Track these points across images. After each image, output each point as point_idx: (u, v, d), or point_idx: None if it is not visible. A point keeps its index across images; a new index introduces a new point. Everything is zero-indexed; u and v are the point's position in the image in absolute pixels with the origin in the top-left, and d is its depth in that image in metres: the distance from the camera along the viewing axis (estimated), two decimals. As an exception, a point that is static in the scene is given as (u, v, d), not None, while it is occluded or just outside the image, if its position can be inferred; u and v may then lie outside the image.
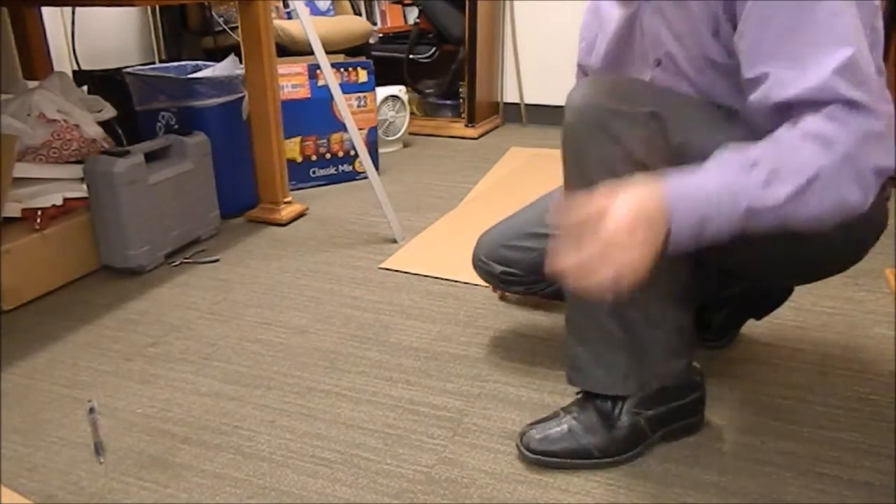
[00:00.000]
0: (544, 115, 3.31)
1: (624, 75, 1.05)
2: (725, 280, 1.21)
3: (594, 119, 0.89)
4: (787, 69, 0.79)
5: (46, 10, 2.21)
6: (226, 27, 2.59)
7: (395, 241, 1.89)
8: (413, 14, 3.38)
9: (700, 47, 0.91)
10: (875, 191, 0.78)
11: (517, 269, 1.25)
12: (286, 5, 2.74)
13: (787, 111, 0.80)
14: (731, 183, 0.78)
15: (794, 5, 0.78)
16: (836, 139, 0.75)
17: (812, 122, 0.77)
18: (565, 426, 1.03)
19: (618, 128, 0.88)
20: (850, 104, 0.76)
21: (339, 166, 2.45)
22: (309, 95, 2.32)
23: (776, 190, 0.76)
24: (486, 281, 1.33)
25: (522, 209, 1.31)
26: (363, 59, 2.59)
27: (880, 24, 0.88)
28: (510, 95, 3.39)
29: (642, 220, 0.77)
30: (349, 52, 2.71)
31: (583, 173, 0.92)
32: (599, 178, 0.88)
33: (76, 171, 1.70)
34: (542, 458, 1.02)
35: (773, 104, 0.81)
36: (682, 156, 0.87)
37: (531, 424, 1.06)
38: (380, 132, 2.72)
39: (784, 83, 0.80)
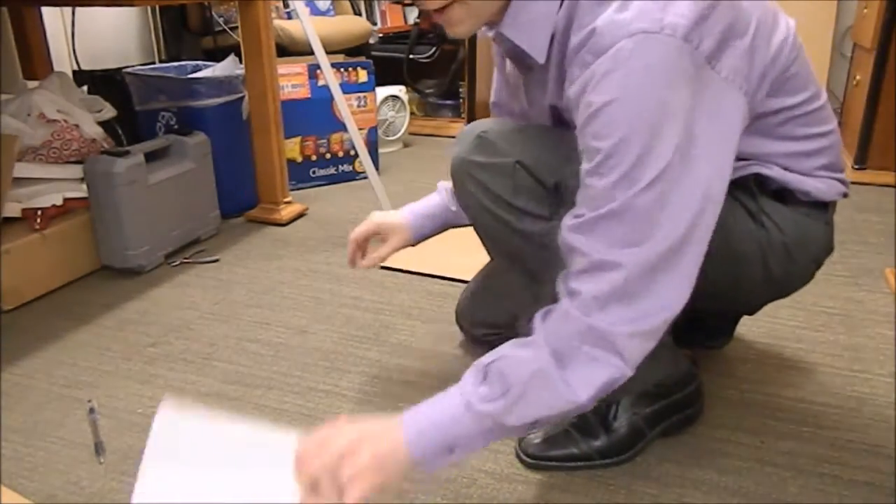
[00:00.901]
0: (544, 115, 3.30)
1: (508, 121, 1.06)
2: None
3: (465, 173, 0.96)
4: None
5: (46, 10, 2.21)
6: (226, 27, 2.59)
7: (395, 241, 1.89)
8: (413, 14, 3.38)
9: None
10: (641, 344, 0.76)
11: (495, 329, 1.26)
12: (286, 5, 2.74)
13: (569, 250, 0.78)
14: (467, 401, 0.77)
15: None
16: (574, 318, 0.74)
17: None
18: (563, 430, 1.04)
19: (485, 179, 0.94)
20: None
21: (339, 166, 2.45)
22: (309, 95, 2.32)
23: (498, 398, 0.76)
24: (475, 344, 1.35)
25: (487, 264, 1.31)
26: (363, 59, 2.59)
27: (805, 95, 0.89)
28: (510, 95, 3.38)
29: (369, 443, 0.75)
30: (349, 52, 2.71)
31: (474, 219, 1.00)
32: (485, 222, 0.98)
33: (76, 171, 1.70)
34: (541, 464, 1.02)
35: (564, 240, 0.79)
36: (561, 195, 0.88)
37: None
38: (380, 132, 2.72)
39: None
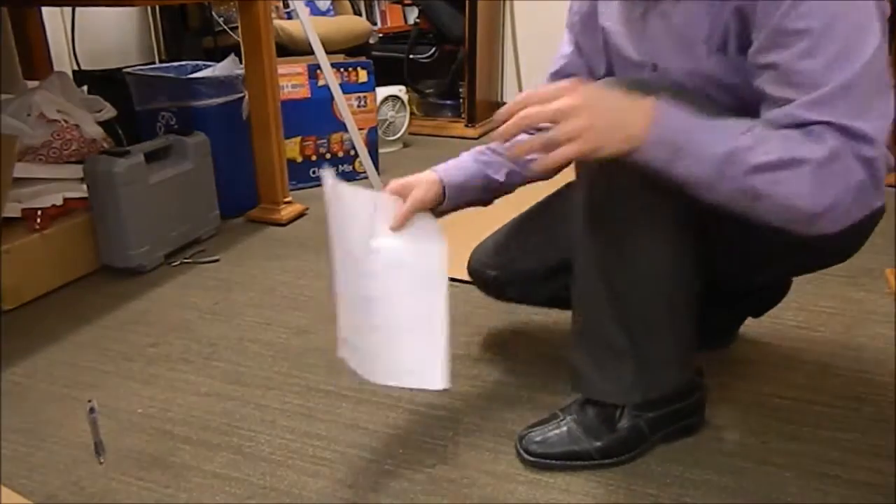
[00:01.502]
0: (544, 115, 3.31)
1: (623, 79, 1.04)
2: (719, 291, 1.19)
3: None
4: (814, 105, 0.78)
5: (46, 10, 2.21)
6: (226, 27, 2.59)
7: (395, 241, 1.88)
8: (413, 14, 3.38)
9: (697, 61, 0.91)
10: (850, 215, 0.77)
11: (510, 274, 1.24)
12: (286, 5, 2.74)
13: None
14: (720, 128, 0.79)
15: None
16: (832, 143, 0.76)
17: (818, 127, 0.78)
18: (564, 428, 1.03)
19: None
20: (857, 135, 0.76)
21: (339, 166, 2.45)
22: (309, 95, 2.32)
23: (758, 152, 0.77)
24: (481, 289, 1.33)
25: (514, 218, 1.30)
26: (363, 59, 2.59)
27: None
28: (510, 95, 3.39)
29: (614, 102, 0.79)
30: (349, 52, 2.71)
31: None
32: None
33: (76, 171, 1.70)
34: (542, 461, 1.02)
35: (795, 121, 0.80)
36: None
37: (530, 427, 1.06)
38: (380, 132, 2.72)
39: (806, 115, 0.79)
